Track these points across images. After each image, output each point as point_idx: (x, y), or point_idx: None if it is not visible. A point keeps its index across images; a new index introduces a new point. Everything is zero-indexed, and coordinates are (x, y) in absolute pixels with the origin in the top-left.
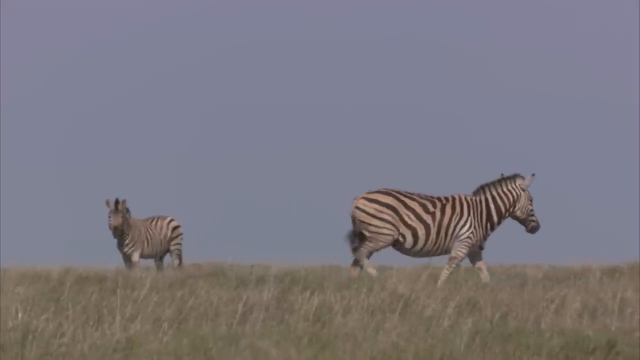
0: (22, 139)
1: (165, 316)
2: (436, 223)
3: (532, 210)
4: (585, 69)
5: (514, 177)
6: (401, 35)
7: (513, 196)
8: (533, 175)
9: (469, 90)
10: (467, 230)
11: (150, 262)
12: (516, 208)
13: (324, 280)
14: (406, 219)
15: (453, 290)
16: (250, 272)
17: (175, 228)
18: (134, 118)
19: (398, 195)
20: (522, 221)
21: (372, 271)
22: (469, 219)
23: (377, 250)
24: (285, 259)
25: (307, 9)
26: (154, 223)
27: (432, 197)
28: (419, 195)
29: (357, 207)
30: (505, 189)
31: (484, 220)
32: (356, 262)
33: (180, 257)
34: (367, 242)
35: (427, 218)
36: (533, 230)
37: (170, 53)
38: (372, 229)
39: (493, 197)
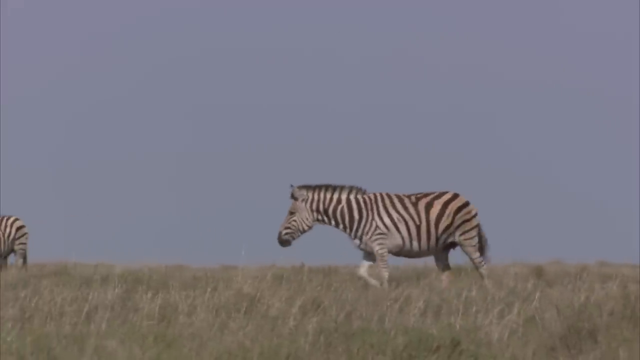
0: (23, 139)
1: (9, 316)
2: None
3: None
4: (586, 69)
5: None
6: (400, 35)
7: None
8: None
9: (468, 90)
10: None
11: None
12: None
13: (168, 279)
14: None
15: (298, 290)
16: (94, 272)
17: (19, 228)
18: (134, 118)
19: None
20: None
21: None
22: None
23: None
24: (129, 259)
25: (306, 9)
26: None
27: None
28: None
29: None
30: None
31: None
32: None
33: (25, 256)
34: None
35: None
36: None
37: (169, 53)
38: None
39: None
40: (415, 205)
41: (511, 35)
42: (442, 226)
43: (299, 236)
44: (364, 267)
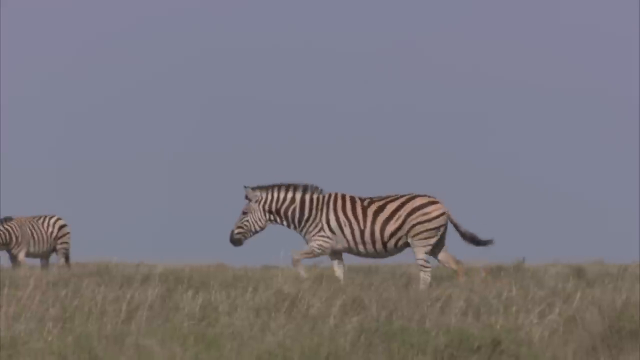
0: (22, 139)
1: (50, 315)
2: None
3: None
4: (586, 68)
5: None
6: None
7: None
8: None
9: (468, 90)
10: None
11: (37, 261)
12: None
13: (209, 279)
14: None
15: (338, 290)
16: (135, 271)
17: (61, 227)
18: (134, 118)
19: None
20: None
21: None
22: None
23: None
24: (170, 259)
25: (305, 9)
26: (40, 222)
27: None
28: None
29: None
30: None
31: None
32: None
33: (67, 256)
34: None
35: None
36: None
37: (169, 54)
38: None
39: None
40: (365, 208)
41: (509, 36)
42: (388, 230)
43: (251, 236)
44: (338, 270)
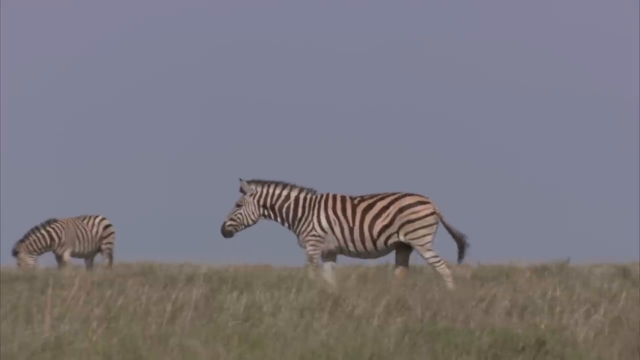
0: (22, 139)
1: (94, 315)
2: None
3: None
4: (585, 69)
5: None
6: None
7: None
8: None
9: (468, 90)
10: None
11: (82, 262)
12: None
13: (252, 279)
14: None
15: (383, 290)
16: (179, 271)
17: (106, 227)
18: (134, 118)
19: None
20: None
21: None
22: None
23: None
24: (214, 259)
25: (302, 8)
26: (85, 222)
27: None
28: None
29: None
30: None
31: None
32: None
33: (111, 256)
34: None
35: None
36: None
37: (168, 54)
38: None
39: None
40: (354, 207)
41: (508, 36)
42: (377, 228)
43: (242, 229)
44: (327, 272)
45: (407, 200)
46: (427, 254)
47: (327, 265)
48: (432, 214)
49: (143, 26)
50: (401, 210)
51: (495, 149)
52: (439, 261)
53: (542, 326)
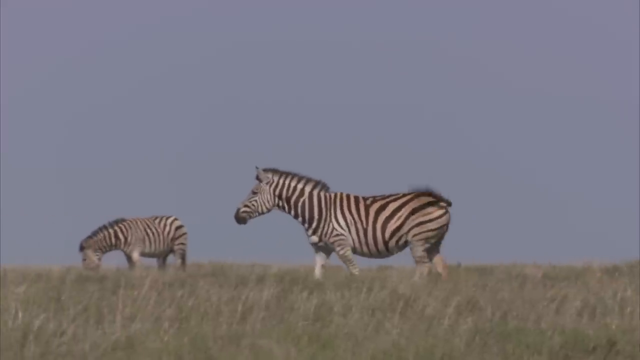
0: (22, 139)
1: (166, 315)
2: None
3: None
4: (585, 69)
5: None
6: (399, 35)
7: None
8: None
9: (467, 90)
10: None
11: (153, 262)
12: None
13: (323, 279)
14: None
15: (453, 290)
16: (250, 271)
17: (178, 227)
18: (133, 118)
19: None
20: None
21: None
22: None
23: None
24: (285, 259)
25: (304, 9)
26: (156, 222)
27: None
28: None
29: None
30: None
31: None
32: None
33: (184, 257)
34: None
35: None
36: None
37: (169, 54)
38: None
39: None
40: (367, 207)
41: (509, 36)
42: (389, 229)
43: (256, 216)
44: (318, 269)
45: (422, 201)
46: (420, 253)
47: (317, 261)
48: (444, 214)
49: (143, 26)
50: (414, 211)
51: (496, 149)
52: (426, 261)
53: (613, 327)
